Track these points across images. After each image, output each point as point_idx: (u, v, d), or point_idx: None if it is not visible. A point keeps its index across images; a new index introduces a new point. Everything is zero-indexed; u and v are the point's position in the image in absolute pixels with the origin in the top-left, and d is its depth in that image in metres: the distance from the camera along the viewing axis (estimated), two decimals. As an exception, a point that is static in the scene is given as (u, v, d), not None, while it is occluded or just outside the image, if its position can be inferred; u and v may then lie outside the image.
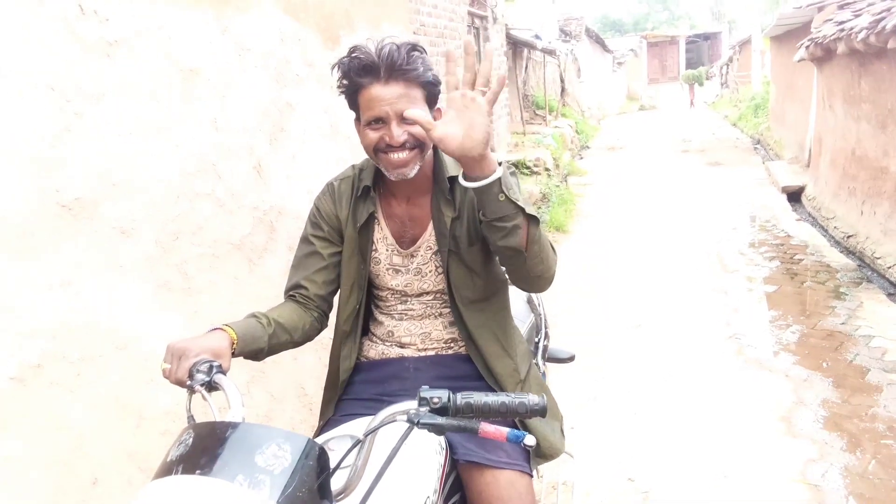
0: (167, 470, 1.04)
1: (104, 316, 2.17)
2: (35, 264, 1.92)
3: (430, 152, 1.59)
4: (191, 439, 1.07)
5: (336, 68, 1.54)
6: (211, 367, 1.30)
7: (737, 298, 4.99)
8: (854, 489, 2.70)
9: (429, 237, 1.65)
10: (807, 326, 4.36)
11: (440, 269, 1.66)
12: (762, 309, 4.77)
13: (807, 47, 7.29)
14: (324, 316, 1.71)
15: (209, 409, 1.27)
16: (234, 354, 1.43)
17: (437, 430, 1.11)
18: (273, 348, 1.55)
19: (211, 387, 1.30)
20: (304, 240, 1.71)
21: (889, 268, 5.08)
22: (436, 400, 1.12)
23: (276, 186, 3.05)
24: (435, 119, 1.56)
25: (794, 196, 8.20)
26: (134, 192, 2.36)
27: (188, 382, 1.29)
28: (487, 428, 1.09)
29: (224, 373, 1.32)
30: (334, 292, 1.71)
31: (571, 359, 2.04)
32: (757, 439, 3.09)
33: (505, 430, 1.09)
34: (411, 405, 1.14)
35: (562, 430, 1.78)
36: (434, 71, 1.55)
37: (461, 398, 1.13)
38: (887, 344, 3.96)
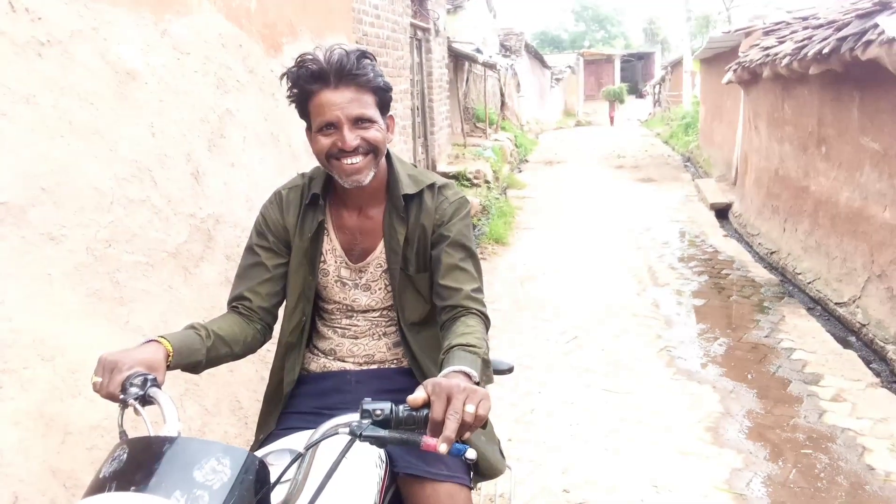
0: (100, 487, 1.00)
1: (29, 326, 2.08)
2: (-45, 271, 1.83)
3: (383, 162, 1.59)
4: (125, 455, 1.03)
5: (285, 78, 1.53)
6: (145, 381, 1.27)
7: (668, 311, 5.16)
8: (776, 497, 2.82)
9: (379, 254, 1.64)
10: (733, 339, 4.54)
11: (389, 288, 1.65)
12: (691, 322, 4.95)
13: (734, 70, 7.62)
14: (267, 328, 1.68)
15: (143, 423, 1.24)
16: (169, 367, 1.39)
17: (379, 442, 1.11)
18: (212, 361, 1.52)
19: (145, 401, 1.26)
20: (249, 249, 1.67)
21: (809, 283, 5.35)
22: (378, 412, 1.12)
23: (214, 194, 3.00)
24: (388, 128, 1.56)
25: (722, 213, 8.55)
26: (65, 197, 2.28)
27: (121, 396, 1.25)
28: (429, 441, 1.09)
29: (159, 386, 1.29)
30: (279, 304, 1.69)
31: (510, 370, 2.06)
32: (685, 449, 3.19)
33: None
34: (353, 418, 1.13)
35: (501, 452, 1.80)
36: (385, 77, 1.55)
37: (403, 410, 1.13)
38: (807, 356, 4.16)
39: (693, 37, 23.47)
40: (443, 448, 1.06)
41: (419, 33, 9.59)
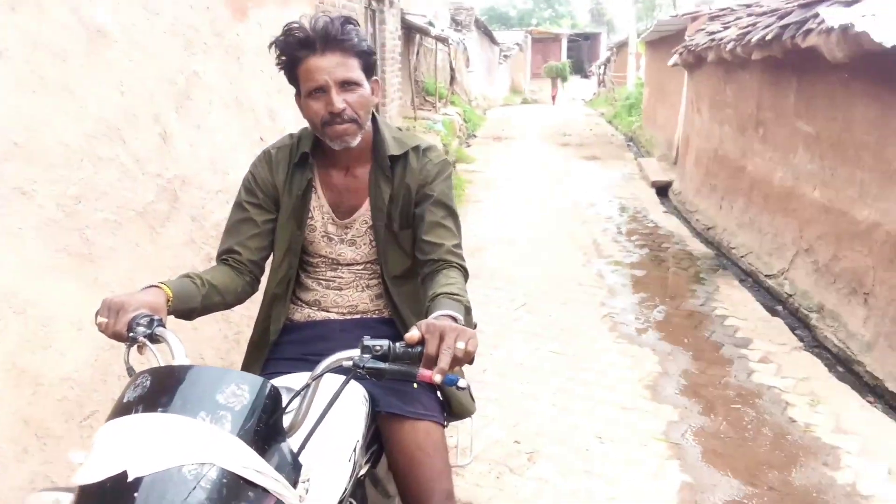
0: (125, 410, 1.08)
1: (0, 279, 2.11)
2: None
3: (369, 124, 1.70)
4: (148, 382, 1.12)
5: (273, 46, 1.61)
6: (151, 321, 1.36)
7: (611, 281, 5.41)
8: (708, 446, 3.09)
9: (365, 211, 1.74)
10: (671, 307, 4.82)
11: (373, 243, 1.76)
12: (633, 291, 5.22)
13: (680, 54, 7.91)
14: (255, 280, 1.77)
15: (153, 360, 1.33)
16: (168, 312, 1.48)
17: (378, 374, 1.22)
18: (206, 308, 1.61)
19: (152, 339, 1.35)
20: (238, 206, 1.75)
21: (742, 257, 5.69)
22: (378, 348, 1.23)
23: (180, 155, 3.03)
24: (373, 91, 1.66)
25: (663, 191, 8.90)
26: (36, 153, 2.29)
27: (130, 335, 1.34)
28: (425, 372, 1.21)
29: (164, 326, 1.38)
30: (267, 258, 1.78)
31: (474, 327, 2.22)
32: (627, 405, 3.43)
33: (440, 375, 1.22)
34: (354, 353, 1.24)
35: (471, 395, 1.95)
36: (368, 42, 1.65)
37: (400, 347, 1.25)
38: (738, 323, 4.47)
39: (639, 19, 23.88)
40: (437, 378, 1.19)
41: (374, 3, 9.55)
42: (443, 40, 14.11)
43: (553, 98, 29.61)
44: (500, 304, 4.86)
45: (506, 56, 32.59)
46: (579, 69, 40.46)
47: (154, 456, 1.00)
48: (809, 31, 3.97)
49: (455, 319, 1.35)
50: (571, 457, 3.00)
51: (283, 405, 1.22)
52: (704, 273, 5.58)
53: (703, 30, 7.41)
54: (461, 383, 1.21)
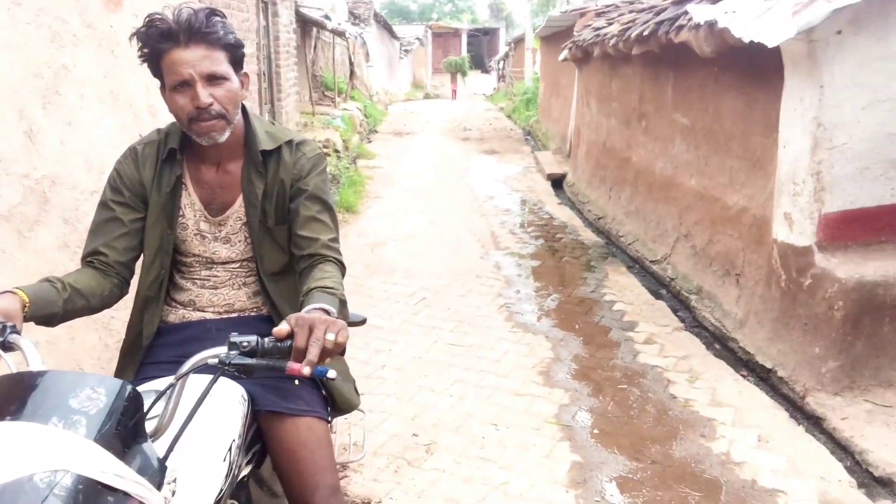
0: None
1: None
2: None
3: (240, 118, 1.66)
4: (-6, 391, 1.07)
5: (134, 38, 1.55)
6: (4, 328, 1.29)
7: (508, 272, 5.55)
8: (596, 426, 3.23)
9: (239, 207, 1.70)
10: (564, 295, 5.00)
11: (248, 240, 1.73)
12: (529, 281, 5.37)
13: (569, 49, 8.17)
14: (125, 282, 1.70)
15: (4, 369, 1.26)
16: (25, 318, 1.41)
17: (246, 370, 1.21)
18: (69, 313, 1.54)
19: (6, 347, 1.28)
20: (103, 205, 1.68)
21: (629, 244, 5.96)
22: (245, 344, 1.22)
23: (50, 154, 2.87)
24: (242, 84, 1.63)
25: (557, 183, 9.19)
26: None
27: None
28: (294, 365, 1.21)
29: (18, 333, 1.31)
30: (136, 259, 1.72)
31: (363, 322, 2.22)
32: (521, 391, 3.54)
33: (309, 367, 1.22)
34: (221, 350, 1.23)
35: (356, 389, 1.95)
36: (236, 34, 1.61)
37: (269, 342, 1.24)
38: (625, 307, 4.70)
39: (535, 14, 24.44)
40: (306, 370, 1.19)
41: (265, -4, 9.32)
42: (340, 34, 13.97)
43: (453, 93, 29.84)
44: (399, 300, 4.89)
45: (406, 51, 32.62)
46: (480, 64, 41.01)
47: (1, 466, 0.96)
48: (681, 27, 4.21)
49: (328, 312, 1.36)
50: (468, 445, 3.07)
51: (150, 405, 1.19)
52: (595, 261, 5.81)
53: (589, 25, 7.70)
54: (330, 374, 1.22)
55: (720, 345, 4.12)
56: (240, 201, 1.70)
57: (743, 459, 2.94)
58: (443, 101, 27.52)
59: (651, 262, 5.43)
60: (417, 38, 35.36)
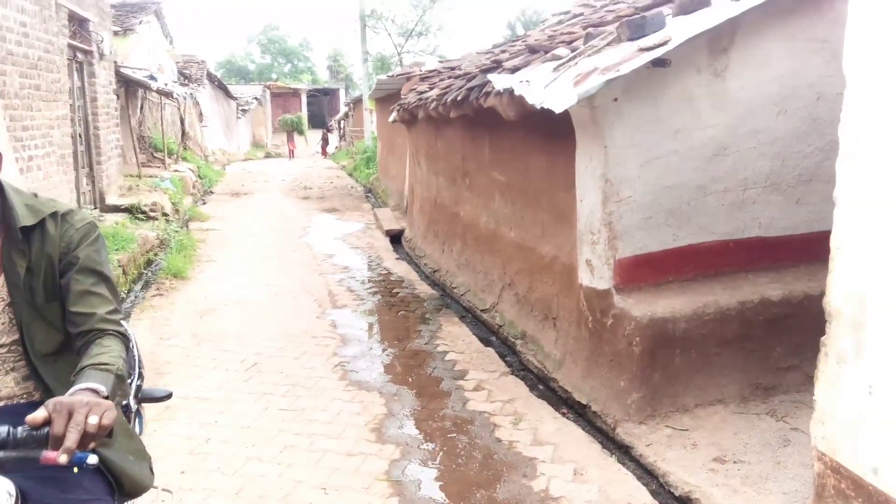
0: None
1: None
2: None
3: None
4: None
5: None
6: None
7: (344, 331, 5.54)
8: (425, 477, 3.28)
9: (1, 288, 1.61)
10: (398, 349, 5.08)
11: (14, 322, 1.63)
12: (365, 337, 5.40)
13: (398, 111, 8.48)
14: None
15: None
16: None
17: (-6, 464, 1.15)
18: None
19: None
20: None
21: (462, 295, 6.19)
22: (-6, 437, 1.15)
23: None
24: None
25: (396, 238, 9.38)
26: None
27: None
28: (49, 454, 1.15)
29: None
30: None
31: (168, 396, 2.13)
32: (352, 451, 3.53)
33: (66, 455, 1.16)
34: (-32, 446, 1.15)
35: (150, 469, 1.85)
36: None
37: (23, 431, 1.18)
38: (457, 357, 4.85)
39: (371, 76, 25.11)
40: (63, 459, 1.14)
41: (80, 55, 8.89)
42: (167, 94, 13.55)
43: (290, 152, 29.60)
44: (229, 367, 4.72)
45: (244, 110, 32.18)
46: (321, 123, 41.19)
47: None
48: (488, 93, 4.54)
49: (97, 392, 1.31)
50: (296, 513, 2.99)
51: None
52: (430, 313, 5.96)
53: (414, 89, 8.06)
54: (90, 460, 1.18)
55: (543, 385, 4.36)
56: (1, 281, 1.60)
57: (560, 494, 3.11)
58: (283, 160, 27.33)
59: (482, 310, 5.66)
60: (255, 98, 35.03)
